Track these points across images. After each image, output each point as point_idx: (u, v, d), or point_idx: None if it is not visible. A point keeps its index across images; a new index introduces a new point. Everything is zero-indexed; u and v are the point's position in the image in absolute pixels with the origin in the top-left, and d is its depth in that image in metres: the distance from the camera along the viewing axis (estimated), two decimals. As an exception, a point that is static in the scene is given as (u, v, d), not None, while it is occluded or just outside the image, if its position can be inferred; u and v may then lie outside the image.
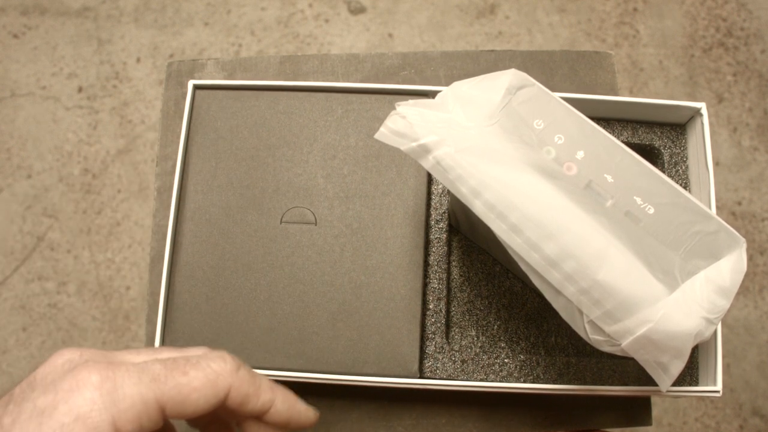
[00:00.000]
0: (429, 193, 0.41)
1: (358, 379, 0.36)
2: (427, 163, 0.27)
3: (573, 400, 0.41)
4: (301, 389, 0.40)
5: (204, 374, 0.22)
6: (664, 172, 0.40)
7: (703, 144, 0.38)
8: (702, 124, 0.39)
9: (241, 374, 0.23)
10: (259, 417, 0.24)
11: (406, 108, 0.29)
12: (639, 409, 0.41)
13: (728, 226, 0.28)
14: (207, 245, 0.39)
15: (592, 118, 0.30)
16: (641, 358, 0.26)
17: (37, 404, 0.20)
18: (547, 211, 0.27)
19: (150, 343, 0.41)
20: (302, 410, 0.26)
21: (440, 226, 0.40)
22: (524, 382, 0.37)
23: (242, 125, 0.41)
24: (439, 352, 0.38)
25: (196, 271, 0.39)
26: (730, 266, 0.27)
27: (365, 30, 1.10)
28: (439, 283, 0.39)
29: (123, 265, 1.00)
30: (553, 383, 0.37)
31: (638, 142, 0.41)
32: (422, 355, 0.38)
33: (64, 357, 0.22)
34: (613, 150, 0.29)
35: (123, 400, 0.20)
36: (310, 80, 0.46)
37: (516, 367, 0.38)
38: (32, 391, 0.21)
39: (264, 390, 0.24)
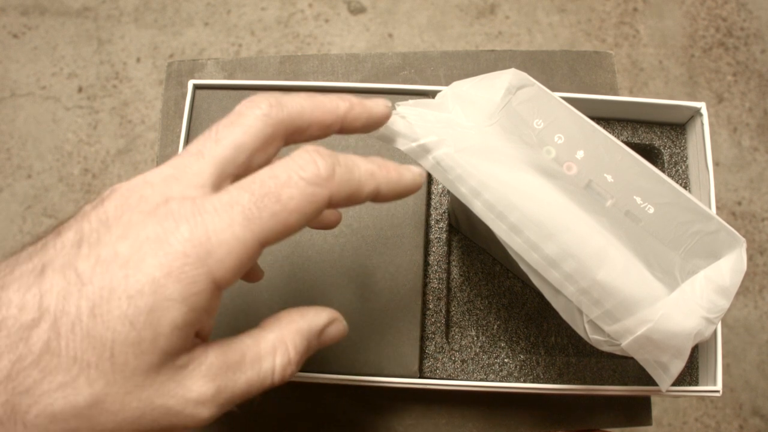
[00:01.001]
0: (429, 193, 0.41)
1: (358, 379, 0.36)
2: (427, 163, 0.27)
3: (573, 400, 0.41)
4: (301, 389, 0.40)
5: (299, 192, 0.19)
6: (664, 172, 0.40)
7: (703, 144, 0.38)
8: (702, 124, 0.39)
9: (338, 177, 0.20)
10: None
11: (405, 108, 0.29)
12: (639, 409, 0.41)
13: (728, 225, 0.28)
14: None
15: (592, 118, 0.30)
16: (641, 357, 0.26)
17: (118, 250, 0.18)
18: (547, 211, 0.27)
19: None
20: (408, 183, 0.23)
21: (440, 226, 0.40)
22: (524, 382, 0.37)
23: (242, 125, 0.41)
24: (439, 352, 0.38)
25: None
26: (730, 266, 0.27)
27: (365, 30, 1.10)
28: (439, 283, 0.39)
29: (123, 265, 1.00)
30: (553, 383, 0.37)
31: (638, 142, 0.41)
32: (422, 355, 0.38)
33: (136, 193, 0.20)
34: (613, 150, 0.29)
35: (218, 249, 0.18)
36: (310, 80, 0.46)
37: (516, 367, 0.38)
38: (108, 232, 0.18)
39: (365, 183, 0.21)
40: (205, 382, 0.19)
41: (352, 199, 0.21)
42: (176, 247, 0.18)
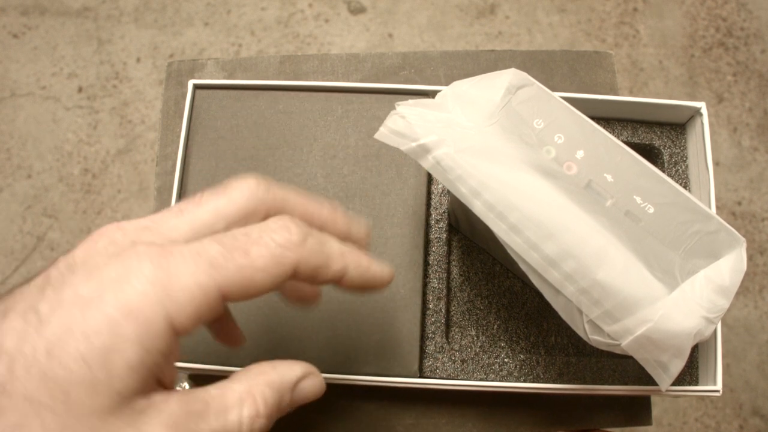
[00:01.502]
0: (429, 193, 0.41)
1: (358, 379, 0.36)
2: (427, 163, 0.28)
3: (573, 400, 0.41)
4: (301, 389, 0.40)
5: (268, 251, 0.20)
6: (664, 171, 0.40)
7: (703, 144, 0.38)
8: (702, 123, 0.39)
9: (308, 246, 0.21)
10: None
11: (405, 108, 0.29)
12: (639, 408, 0.41)
13: (728, 225, 0.28)
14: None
15: (592, 118, 0.30)
16: (641, 357, 0.26)
17: (79, 291, 0.18)
18: (547, 211, 0.27)
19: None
20: (376, 274, 0.23)
21: (440, 226, 0.40)
22: (524, 381, 0.37)
23: (242, 125, 0.41)
24: (439, 352, 0.38)
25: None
26: (730, 266, 0.27)
27: (365, 30, 1.10)
28: (439, 283, 0.39)
29: (123, 265, 1.00)
30: (553, 383, 0.37)
31: (638, 141, 0.41)
32: (422, 354, 0.38)
33: (106, 237, 0.20)
34: (613, 150, 0.29)
35: (179, 292, 0.18)
36: (310, 80, 0.46)
37: (516, 366, 0.38)
38: (72, 275, 0.19)
39: (334, 260, 0.22)
40: (163, 429, 0.18)
41: (318, 272, 0.21)
42: (136, 286, 0.18)
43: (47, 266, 0.20)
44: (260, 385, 0.21)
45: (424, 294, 0.39)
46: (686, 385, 0.38)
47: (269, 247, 0.20)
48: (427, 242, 0.40)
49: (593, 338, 0.27)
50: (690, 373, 0.38)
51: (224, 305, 0.20)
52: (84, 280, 0.18)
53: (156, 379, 0.19)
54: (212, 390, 0.21)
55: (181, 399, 0.19)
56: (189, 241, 0.20)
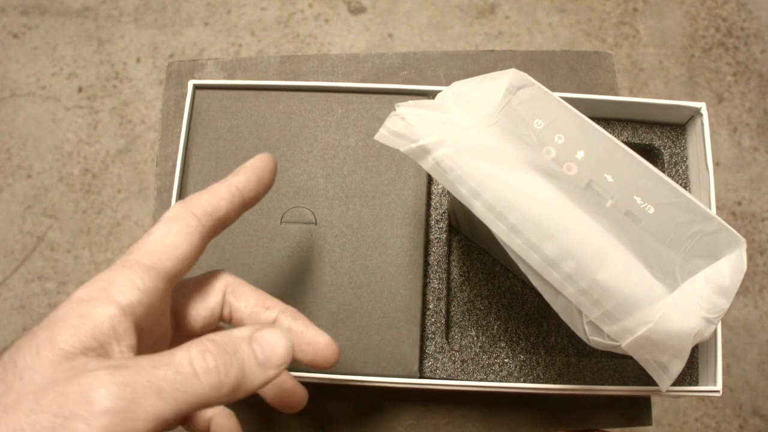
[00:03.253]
0: (429, 193, 0.41)
1: (358, 379, 0.36)
2: (427, 164, 0.27)
3: (573, 400, 0.41)
4: (301, 389, 0.40)
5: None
6: (664, 172, 0.40)
7: (703, 144, 0.38)
8: (702, 124, 0.39)
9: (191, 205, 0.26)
10: None
11: (405, 109, 0.29)
12: (639, 409, 0.41)
13: (728, 225, 0.28)
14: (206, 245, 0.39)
15: (592, 118, 0.30)
16: (641, 357, 0.26)
17: (38, 412, 0.18)
18: (547, 212, 0.27)
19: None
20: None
21: (440, 226, 0.40)
22: (524, 382, 0.37)
23: (242, 125, 0.41)
24: (439, 352, 0.38)
25: (195, 271, 0.39)
26: (730, 266, 0.27)
27: (365, 30, 1.10)
28: (439, 283, 0.39)
29: (123, 265, 1.00)
30: (553, 383, 0.37)
31: (638, 142, 0.41)
32: (422, 355, 0.38)
33: (59, 347, 0.20)
34: (613, 150, 0.29)
35: (136, 424, 0.18)
36: (310, 80, 0.46)
37: (516, 367, 0.38)
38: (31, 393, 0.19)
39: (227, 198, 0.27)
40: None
41: (214, 210, 0.27)
42: (98, 420, 0.18)
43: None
44: (205, 338, 0.21)
45: (424, 294, 0.39)
46: (686, 386, 0.38)
47: (164, 220, 0.25)
48: (427, 242, 0.40)
49: (593, 339, 0.27)
50: (690, 374, 0.38)
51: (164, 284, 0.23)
52: (42, 396, 0.19)
53: None
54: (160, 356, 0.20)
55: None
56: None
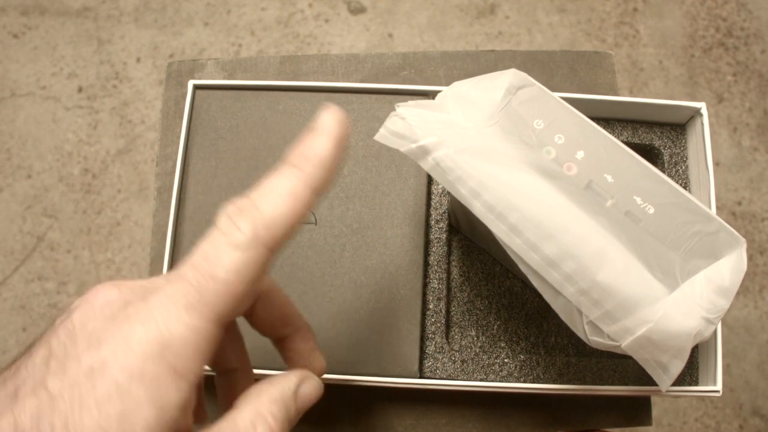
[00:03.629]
0: (429, 193, 0.41)
1: (358, 379, 0.36)
2: (427, 165, 0.27)
3: (573, 400, 0.41)
4: (301, 389, 0.40)
5: (232, 264, 0.20)
6: (664, 172, 0.40)
7: (703, 144, 0.38)
8: (702, 124, 0.39)
9: (263, 234, 0.20)
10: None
11: (405, 109, 0.29)
12: (639, 409, 0.41)
13: (728, 226, 0.28)
14: None
15: (592, 118, 0.30)
16: (641, 357, 0.26)
17: (83, 362, 0.18)
18: (547, 212, 0.27)
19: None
20: (330, 160, 0.22)
21: (440, 226, 0.40)
22: (524, 382, 0.37)
23: (242, 125, 0.41)
24: (439, 352, 0.38)
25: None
26: (730, 266, 0.27)
27: (365, 30, 1.10)
28: (439, 283, 0.39)
29: (123, 265, 1.00)
30: (553, 383, 0.37)
31: (638, 142, 0.41)
32: (422, 355, 0.38)
33: (101, 298, 0.20)
34: (613, 150, 0.29)
35: (174, 342, 0.19)
36: (310, 80, 0.46)
37: (516, 367, 0.38)
38: (74, 345, 0.19)
39: (299, 210, 0.21)
40: None
41: (291, 228, 0.21)
42: (135, 348, 0.18)
43: (47, 332, 0.20)
44: (265, 404, 0.22)
45: (424, 294, 0.39)
46: (686, 386, 0.38)
47: (231, 257, 0.20)
48: (427, 243, 0.40)
49: (593, 339, 0.27)
50: (690, 374, 0.38)
51: (222, 331, 0.20)
52: (86, 350, 0.19)
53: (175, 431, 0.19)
54: (223, 424, 0.21)
55: None
56: (162, 286, 0.20)
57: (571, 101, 0.31)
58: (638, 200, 0.28)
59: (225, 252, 0.20)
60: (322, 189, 0.22)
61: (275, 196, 0.21)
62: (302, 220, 0.21)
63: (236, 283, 0.20)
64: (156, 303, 0.19)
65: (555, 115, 0.29)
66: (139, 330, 0.19)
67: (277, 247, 0.21)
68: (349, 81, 0.46)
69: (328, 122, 0.22)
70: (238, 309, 0.21)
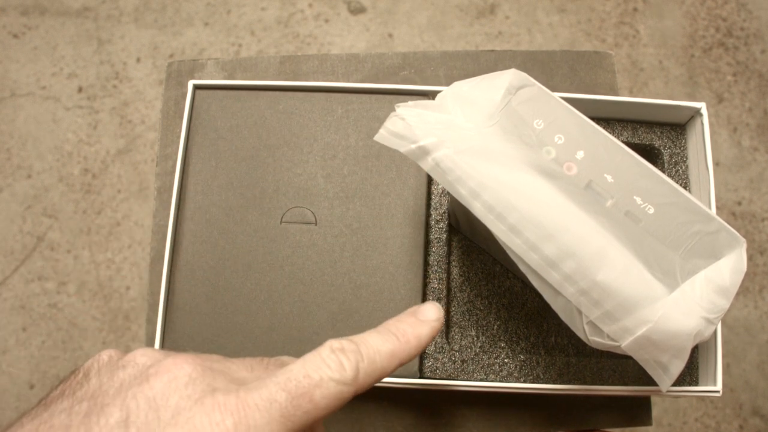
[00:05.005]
0: (429, 193, 0.41)
1: (358, 379, 0.36)
2: (426, 165, 0.27)
3: (573, 400, 0.41)
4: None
5: (329, 392, 0.21)
6: (664, 172, 0.40)
7: (703, 144, 0.38)
8: (702, 124, 0.39)
9: (362, 373, 0.22)
10: None
11: (405, 109, 0.29)
12: (639, 409, 0.41)
13: (728, 226, 0.28)
14: (207, 245, 0.39)
15: (592, 118, 0.30)
16: (641, 357, 0.26)
17: None
18: (547, 212, 0.27)
19: (150, 343, 0.41)
20: (428, 340, 0.25)
21: (440, 226, 0.40)
22: (524, 382, 0.37)
23: (242, 125, 0.41)
24: (439, 352, 0.38)
25: (196, 271, 0.39)
26: (730, 266, 0.27)
27: (365, 30, 1.10)
28: (439, 283, 0.39)
29: (123, 265, 1.00)
30: (553, 383, 0.37)
31: (638, 142, 0.41)
32: (422, 355, 0.38)
33: (185, 373, 0.21)
34: (613, 150, 0.29)
35: None
36: (310, 80, 0.46)
37: (516, 367, 0.38)
38: (157, 418, 0.19)
39: (388, 367, 0.24)
40: None
41: (376, 381, 0.23)
42: None
43: (119, 385, 0.20)
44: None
45: (424, 294, 0.39)
46: (686, 386, 0.38)
47: (329, 388, 0.21)
48: (427, 243, 0.40)
49: (593, 339, 0.27)
50: (690, 374, 0.38)
51: None
52: (171, 425, 0.19)
53: None
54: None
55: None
56: (256, 387, 0.21)
57: (571, 101, 0.31)
58: (638, 200, 0.28)
59: (326, 381, 0.21)
60: (406, 362, 0.25)
61: (375, 351, 0.23)
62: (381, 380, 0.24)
63: (324, 410, 0.21)
64: (251, 401, 0.20)
65: (555, 115, 0.29)
66: (229, 422, 0.19)
67: (360, 393, 0.23)
68: (349, 81, 0.46)
69: (432, 315, 0.26)
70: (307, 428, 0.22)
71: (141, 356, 0.22)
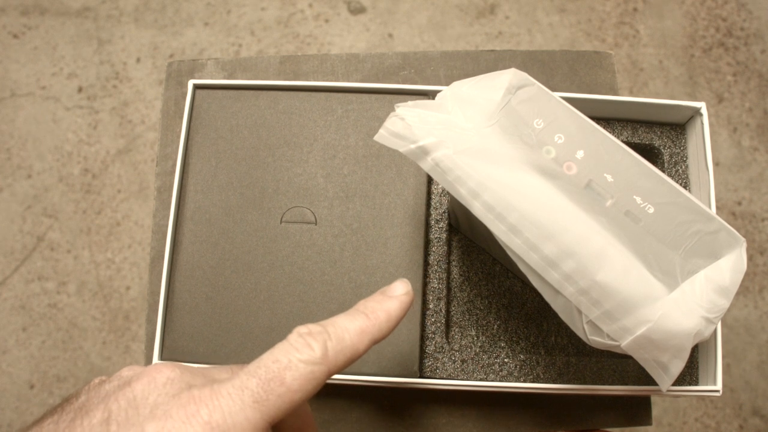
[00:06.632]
0: (429, 193, 0.41)
1: (358, 379, 0.36)
2: (426, 165, 0.27)
3: (573, 400, 0.41)
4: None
5: (299, 373, 0.22)
6: (664, 172, 0.40)
7: (703, 144, 0.38)
8: (702, 123, 0.39)
9: (331, 351, 0.23)
10: None
11: (404, 109, 0.29)
12: (639, 408, 0.41)
13: (728, 225, 0.28)
14: (207, 245, 0.39)
15: (592, 118, 0.30)
16: (641, 357, 0.26)
17: (146, 430, 0.20)
18: (546, 212, 0.27)
19: (150, 343, 0.41)
20: (399, 315, 0.26)
21: (440, 226, 0.40)
22: (524, 381, 0.37)
23: (242, 125, 0.41)
24: (439, 352, 0.38)
25: (196, 271, 0.39)
26: (730, 266, 0.27)
27: (365, 30, 1.10)
28: (439, 283, 0.39)
29: (123, 265, 1.00)
30: (553, 383, 0.37)
31: (638, 141, 0.41)
32: (422, 354, 0.38)
33: (163, 374, 0.22)
34: (613, 150, 0.29)
35: (233, 429, 0.20)
36: (310, 80, 0.46)
37: (516, 366, 0.38)
38: (136, 413, 0.20)
39: (359, 344, 0.24)
40: None
41: (350, 361, 0.24)
42: (197, 428, 0.20)
43: (104, 394, 0.21)
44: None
45: (424, 294, 0.39)
46: (686, 385, 0.38)
47: (299, 369, 0.22)
48: (427, 242, 0.40)
49: (592, 339, 0.27)
50: (690, 373, 0.38)
51: (270, 428, 0.22)
52: (148, 419, 0.20)
53: None
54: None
55: None
56: (228, 379, 0.22)
57: (571, 101, 0.31)
58: (638, 200, 0.28)
59: (295, 363, 0.22)
60: (379, 340, 0.25)
61: (343, 330, 0.24)
62: (355, 361, 0.24)
63: (298, 392, 0.22)
64: (224, 391, 0.21)
65: (555, 114, 0.29)
66: (204, 412, 0.20)
67: (335, 372, 0.23)
68: (349, 81, 0.46)
69: (400, 290, 0.27)
70: (288, 414, 0.22)
71: (127, 371, 0.23)
